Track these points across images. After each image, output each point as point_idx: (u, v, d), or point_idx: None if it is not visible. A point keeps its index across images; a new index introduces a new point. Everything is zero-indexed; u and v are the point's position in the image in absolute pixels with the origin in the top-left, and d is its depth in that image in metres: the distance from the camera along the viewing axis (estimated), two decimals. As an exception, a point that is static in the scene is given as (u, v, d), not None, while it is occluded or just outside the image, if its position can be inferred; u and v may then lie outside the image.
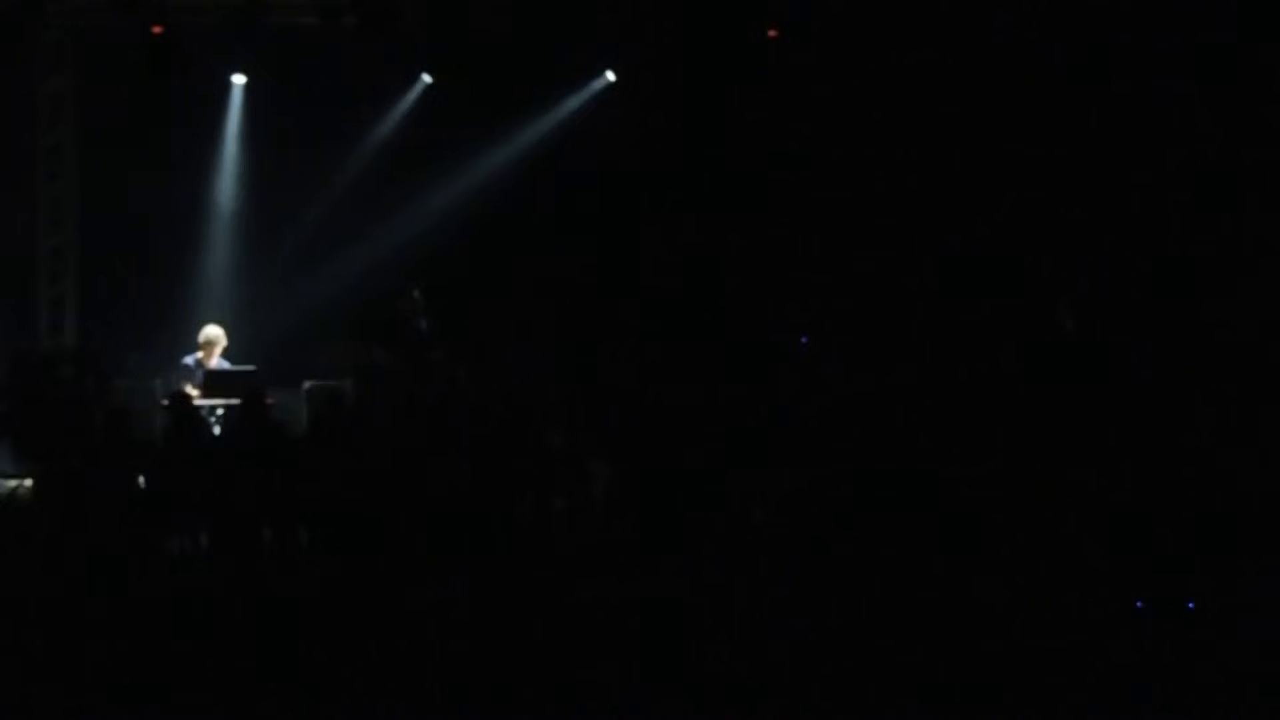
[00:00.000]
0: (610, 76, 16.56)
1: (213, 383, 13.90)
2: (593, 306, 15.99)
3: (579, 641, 9.27)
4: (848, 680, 8.63)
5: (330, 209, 16.43)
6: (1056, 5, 14.95)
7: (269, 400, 12.86)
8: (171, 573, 11.04)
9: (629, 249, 16.33)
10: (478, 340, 15.39)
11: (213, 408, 13.68)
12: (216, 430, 13.45)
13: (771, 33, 15.73)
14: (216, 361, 14.24)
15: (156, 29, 14.65)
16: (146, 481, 11.76)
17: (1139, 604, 9.64)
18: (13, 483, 13.34)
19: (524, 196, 16.19)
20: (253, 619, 9.66)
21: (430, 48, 16.04)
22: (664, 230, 16.30)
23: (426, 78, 16.43)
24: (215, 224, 16.33)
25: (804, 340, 15.64)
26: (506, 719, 8.40)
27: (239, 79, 16.06)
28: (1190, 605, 9.58)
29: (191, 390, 13.64)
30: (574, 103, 16.57)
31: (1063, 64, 14.97)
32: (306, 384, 14.67)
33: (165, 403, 13.45)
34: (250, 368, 14.12)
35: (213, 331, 14.33)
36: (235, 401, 13.01)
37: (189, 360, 14.21)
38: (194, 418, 12.60)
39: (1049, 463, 11.51)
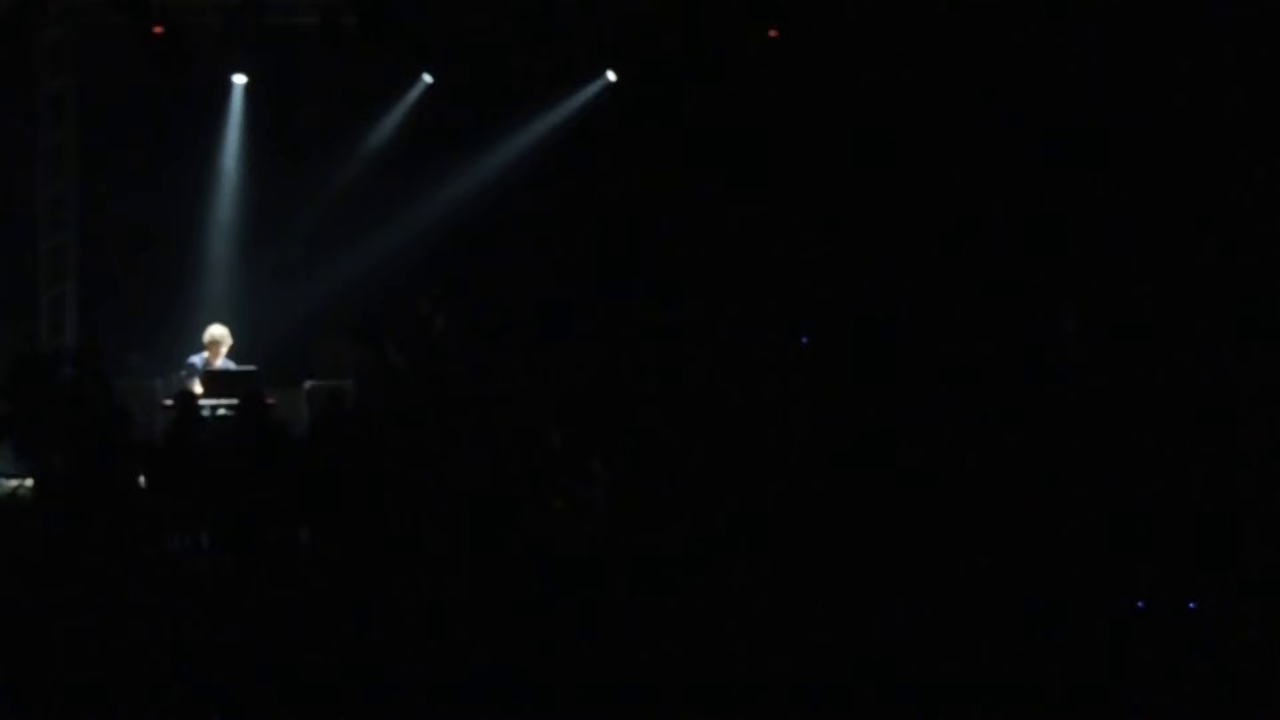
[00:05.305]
0: (610, 76, 16.57)
1: (213, 383, 13.91)
2: (593, 306, 15.99)
3: (579, 641, 9.27)
4: (847, 680, 8.63)
5: (330, 209, 16.44)
6: (1059, 5, 14.96)
7: (269, 400, 12.87)
8: (171, 573, 11.03)
9: (629, 248, 16.33)
10: (478, 340, 15.40)
11: (213, 408, 13.68)
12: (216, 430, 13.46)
13: (772, 33, 15.73)
14: (222, 361, 14.25)
15: (156, 29, 14.65)
16: (146, 481, 11.76)
17: (1139, 604, 9.65)
18: (13, 483, 13.35)
19: (524, 196, 16.19)
20: (252, 619, 9.67)
21: (430, 48, 16.04)
22: (664, 229, 16.30)
23: (426, 78, 16.44)
24: (216, 224, 16.34)
25: (804, 340, 15.65)
26: (506, 719, 8.41)
27: (239, 79, 16.06)
28: (1191, 605, 9.59)
29: (197, 389, 13.66)
30: (574, 103, 16.57)
31: (1066, 62, 14.98)
32: (307, 384, 14.68)
33: (168, 402, 13.47)
34: (251, 368, 14.14)
35: (218, 331, 14.33)
36: (235, 401, 13.02)
37: (195, 359, 14.23)
38: (197, 417, 12.60)
39: (1049, 462, 11.51)
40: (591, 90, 16.60)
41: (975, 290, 15.01)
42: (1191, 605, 9.59)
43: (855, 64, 15.51)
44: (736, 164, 16.00)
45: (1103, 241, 14.84)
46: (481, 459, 11.76)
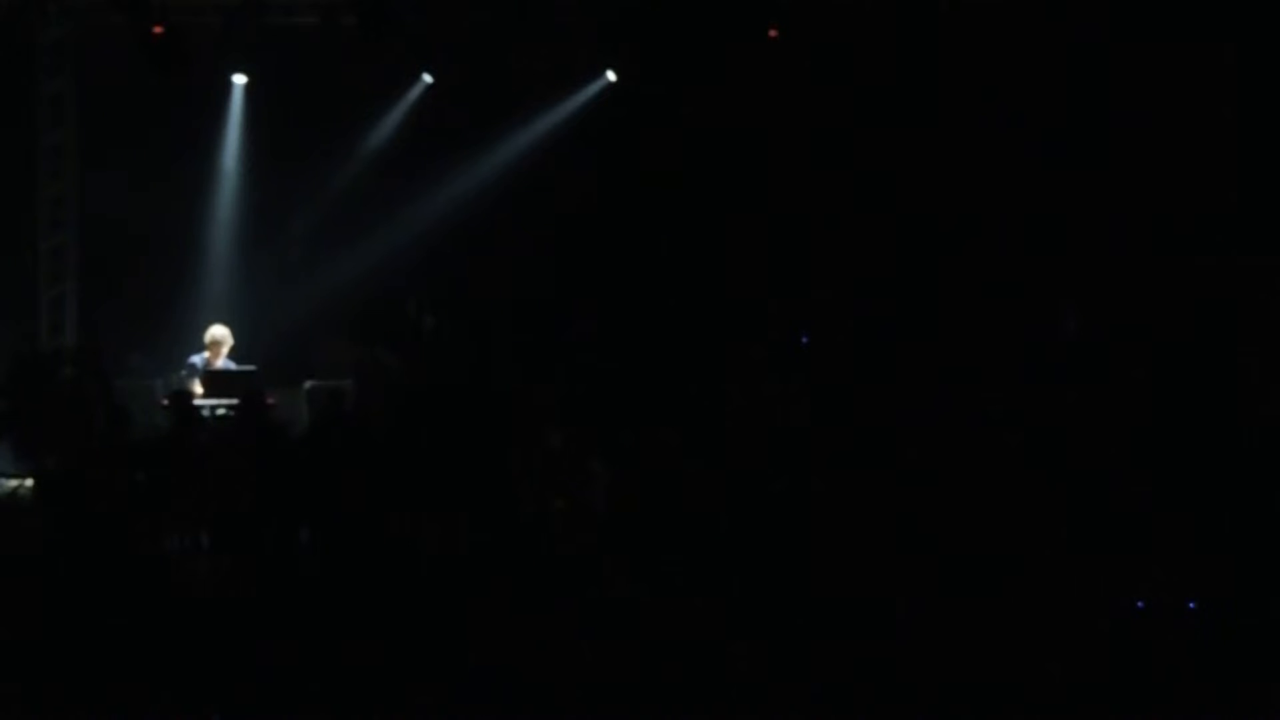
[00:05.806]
0: (610, 76, 16.57)
1: (213, 383, 13.91)
2: (593, 306, 16.00)
3: (579, 641, 9.27)
4: (847, 680, 8.63)
5: (330, 209, 16.44)
6: (1059, 5, 14.97)
7: (269, 400, 12.86)
8: (171, 573, 11.03)
9: (629, 248, 16.34)
10: (477, 340, 15.40)
11: (213, 408, 13.68)
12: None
13: (772, 33, 15.73)
14: (223, 362, 14.25)
15: (156, 29, 14.65)
16: (146, 481, 11.76)
17: (1139, 604, 9.64)
18: (13, 483, 13.35)
19: (524, 196, 16.19)
20: (253, 619, 9.66)
21: (430, 48, 16.05)
22: (663, 230, 16.30)
23: (426, 78, 16.44)
24: (215, 224, 16.34)
25: (804, 341, 15.65)
26: (506, 719, 8.40)
27: (239, 79, 16.07)
28: (1191, 605, 9.59)
29: (197, 389, 13.66)
30: (574, 103, 16.57)
31: (1066, 62, 14.99)
32: (306, 384, 14.68)
33: (166, 402, 13.47)
34: (251, 368, 14.14)
35: (219, 331, 14.33)
36: (235, 401, 13.02)
37: (196, 360, 14.23)
38: (195, 417, 12.59)
39: (1050, 462, 11.51)
40: (591, 90, 16.61)
41: (975, 290, 15.01)
42: (1191, 605, 9.59)
43: (855, 64, 15.50)
44: (736, 164, 16.00)
45: (1103, 241, 14.84)
46: (481, 459, 11.75)
